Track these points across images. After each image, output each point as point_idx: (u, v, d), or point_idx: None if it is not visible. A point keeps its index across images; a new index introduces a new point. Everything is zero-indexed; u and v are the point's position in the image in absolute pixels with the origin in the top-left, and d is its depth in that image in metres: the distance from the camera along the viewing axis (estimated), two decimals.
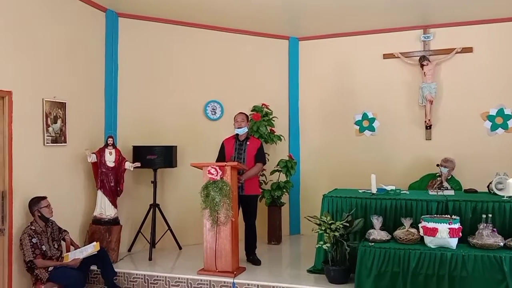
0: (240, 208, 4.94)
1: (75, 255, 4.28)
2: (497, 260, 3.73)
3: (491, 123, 5.88)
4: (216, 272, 4.49)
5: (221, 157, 4.99)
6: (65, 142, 4.78)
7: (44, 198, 4.19)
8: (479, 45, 5.95)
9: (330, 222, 4.26)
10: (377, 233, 4.18)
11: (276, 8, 5.53)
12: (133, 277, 4.67)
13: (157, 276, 4.61)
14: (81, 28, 5.10)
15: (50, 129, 4.57)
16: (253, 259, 4.96)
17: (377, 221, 4.22)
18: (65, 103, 4.78)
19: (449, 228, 3.87)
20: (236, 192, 4.69)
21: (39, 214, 4.13)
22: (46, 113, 4.50)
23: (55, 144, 4.65)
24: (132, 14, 5.65)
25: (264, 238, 5.95)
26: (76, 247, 4.49)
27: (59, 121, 4.69)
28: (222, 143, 5.08)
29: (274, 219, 6.02)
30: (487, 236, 3.89)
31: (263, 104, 6.30)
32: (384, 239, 4.14)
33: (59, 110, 4.69)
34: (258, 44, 6.49)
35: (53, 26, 4.68)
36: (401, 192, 4.71)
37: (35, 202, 4.13)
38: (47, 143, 4.52)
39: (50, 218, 4.25)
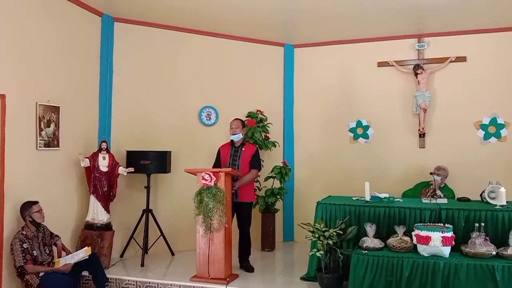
0: (235, 215, 4.92)
1: (66, 261, 4.23)
2: (489, 269, 3.74)
3: (484, 132, 5.92)
4: (208, 279, 4.46)
5: (217, 163, 4.98)
6: (58, 146, 4.75)
7: (36, 203, 4.14)
8: (473, 54, 6.00)
9: (323, 229, 4.26)
10: (370, 241, 4.18)
11: (272, 15, 5.55)
12: (125, 283, 4.63)
13: (149, 283, 4.57)
14: (76, 32, 5.09)
15: (43, 133, 4.54)
16: (246, 266, 4.94)
17: (370, 228, 4.22)
18: (58, 107, 4.75)
19: (442, 237, 3.88)
20: (230, 199, 4.67)
21: (30, 219, 4.09)
22: (39, 117, 4.48)
23: (48, 148, 4.61)
24: (128, 19, 5.65)
25: (258, 245, 5.92)
26: (68, 253, 4.45)
27: (52, 125, 4.66)
28: (219, 149, 5.07)
29: (267, 225, 6.01)
30: (480, 245, 3.90)
31: (258, 111, 6.31)
32: (377, 247, 4.14)
33: (52, 114, 4.67)
34: (253, 51, 6.51)
35: (48, 30, 4.66)
36: (395, 200, 4.72)
37: (27, 207, 4.09)
38: (39, 147, 4.49)
39: (42, 223, 4.21)
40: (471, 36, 6.00)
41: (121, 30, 5.64)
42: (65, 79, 4.90)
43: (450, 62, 6.04)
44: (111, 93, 5.57)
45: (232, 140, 4.99)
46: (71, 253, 4.45)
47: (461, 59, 6.01)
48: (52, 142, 4.66)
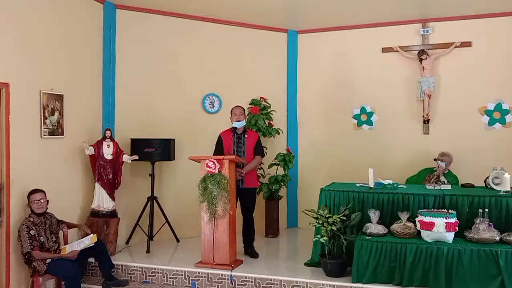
0: (238, 201, 4.95)
1: (72, 247, 4.28)
2: (493, 255, 3.76)
3: (489, 117, 5.89)
4: (213, 265, 4.50)
5: (219, 150, 4.98)
6: (63, 135, 4.77)
7: (37, 192, 4.12)
8: (478, 39, 5.94)
9: (327, 215, 4.27)
10: (374, 227, 4.20)
11: (275, 1, 5.50)
12: (131, 270, 4.68)
13: (155, 269, 4.62)
14: (79, 20, 5.07)
15: (48, 121, 4.55)
16: (250, 252, 4.98)
17: (374, 215, 4.24)
18: (62, 95, 4.76)
19: (445, 223, 3.90)
20: (234, 185, 4.70)
21: (30, 208, 4.13)
22: (43, 105, 4.48)
23: (53, 137, 4.63)
24: (130, 6, 5.61)
25: (262, 231, 5.97)
26: (76, 227, 4.52)
27: (56, 114, 4.67)
28: (220, 136, 5.06)
29: (271, 212, 6.04)
30: (484, 230, 3.92)
31: (261, 98, 6.29)
32: (381, 233, 4.16)
33: (56, 102, 4.67)
34: (256, 37, 6.46)
35: (50, 17, 4.64)
36: (398, 186, 4.72)
37: (28, 196, 4.12)
38: (44, 135, 4.51)
39: (48, 211, 4.24)
40: (477, 21, 5.92)
41: (123, 17, 5.61)
42: (68, 67, 4.90)
43: (455, 47, 5.99)
44: (114, 80, 5.56)
45: (234, 127, 4.99)
46: (78, 227, 4.54)
47: (466, 44, 5.96)
48: (56, 130, 4.68)
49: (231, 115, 5.03)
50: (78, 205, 5.08)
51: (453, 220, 3.93)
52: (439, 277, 3.84)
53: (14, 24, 4.16)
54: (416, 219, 4.07)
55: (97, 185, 5.02)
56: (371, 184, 4.62)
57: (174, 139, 5.60)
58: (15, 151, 4.12)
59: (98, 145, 5.02)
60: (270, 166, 6.08)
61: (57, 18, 4.74)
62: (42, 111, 4.47)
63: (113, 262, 4.58)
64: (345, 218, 4.28)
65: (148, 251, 5.15)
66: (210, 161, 4.54)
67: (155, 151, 5.33)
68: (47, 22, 4.59)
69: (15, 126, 4.12)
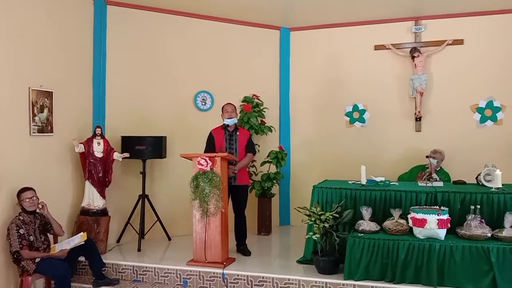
0: (230, 199, 4.92)
1: (62, 246, 4.23)
2: (484, 251, 3.78)
3: (480, 115, 5.91)
4: (205, 263, 4.48)
5: (211, 147, 4.93)
6: (52, 132, 4.71)
7: (28, 190, 4.07)
8: (470, 37, 5.96)
9: (320, 213, 4.26)
10: (366, 224, 4.20)
11: None
12: (122, 268, 4.64)
13: (146, 267, 4.58)
14: (69, 16, 5.00)
15: (37, 118, 4.49)
16: (243, 250, 4.96)
17: (366, 212, 4.24)
18: (52, 92, 4.69)
19: (437, 219, 3.90)
20: (226, 183, 4.67)
21: (21, 206, 4.07)
22: (32, 102, 4.42)
23: (42, 134, 4.57)
24: (121, 2, 5.56)
25: (254, 229, 5.95)
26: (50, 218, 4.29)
27: (45, 111, 4.61)
28: (211, 134, 5.02)
29: (264, 210, 6.02)
30: (475, 227, 3.93)
31: (253, 95, 6.27)
32: (373, 230, 4.16)
33: (45, 99, 4.61)
34: (249, 34, 6.43)
35: (40, 13, 4.58)
36: (391, 183, 4.73)
37: (18, 194, 4.06)
38: (33, 132, 4.44)
39: (38, 211, 4.18)
40: (469, 18, 5.94)
41: (114, 13, 5.55)
42: (57, 63, 4.83)
43: (447, 45, 6.00)
44: (104, 77, 5.50)
45: (225, 125, 4.96)
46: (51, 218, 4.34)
47: (458, 42, 5.97)
48: (45, 127, 4.62)
49: (222, 112, 5.00)
50: (68, 204, 5.02)
51: (445, 217, 3.94)
52: (431, 274, 3.84)
53: (2, 20, 4.09)
54: (408, 216, 4.07)
55: (87, 183, 4.96)
56: (364, 181, 4.61)
57: (165, 137, 5.55)
58: (3, 148, 4.06)
59: (88, 143, 4.97)
60: (263, 163, 6.06)
61: (47, 14, 4.67)
62: (31, 108, 4.40)
63: (104, 260, 4.53)
64: (337, 215, 4.27)
65: (139, 250, 5.11)
66: (202, 158, 4.51)
67: (146, 148, 5.28)
68: (36, 18, 4.52)
69: (3, 123, 4.06)
